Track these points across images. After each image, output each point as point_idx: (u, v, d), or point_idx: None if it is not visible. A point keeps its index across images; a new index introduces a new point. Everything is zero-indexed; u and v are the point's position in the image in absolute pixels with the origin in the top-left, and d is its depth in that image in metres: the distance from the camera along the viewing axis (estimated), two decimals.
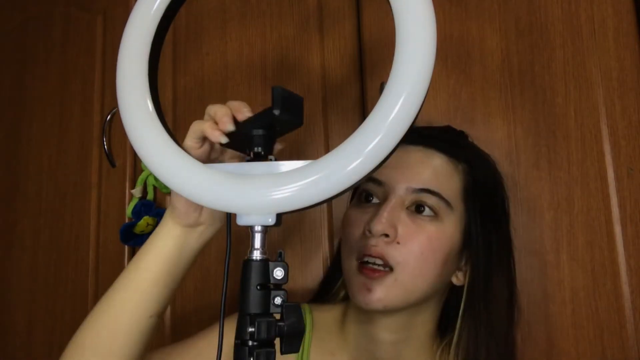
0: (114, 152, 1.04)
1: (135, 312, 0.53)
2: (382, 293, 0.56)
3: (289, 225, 0.86)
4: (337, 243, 0.73)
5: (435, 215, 0.59)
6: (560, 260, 0.71)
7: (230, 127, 0.46)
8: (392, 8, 0.41)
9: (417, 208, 0.59)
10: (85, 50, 1.13)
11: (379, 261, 0.57)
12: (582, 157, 0.72)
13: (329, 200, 0.41)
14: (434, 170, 0.60)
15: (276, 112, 0.41)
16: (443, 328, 0.65)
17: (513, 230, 0.74)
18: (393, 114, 0.39)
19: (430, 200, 0.59)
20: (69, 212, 1.10)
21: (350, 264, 0.60)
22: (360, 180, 0.41)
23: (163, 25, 0.49)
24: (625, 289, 0.68)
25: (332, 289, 0.71)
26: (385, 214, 0.57)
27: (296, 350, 0.40)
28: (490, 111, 0.77)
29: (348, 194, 0.71)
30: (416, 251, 0.57)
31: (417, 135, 0.62)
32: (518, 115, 0.76)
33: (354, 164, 0.39)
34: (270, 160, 0.45)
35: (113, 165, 1.04)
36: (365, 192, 0.63)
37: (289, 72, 0.91)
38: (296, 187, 0.40)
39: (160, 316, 0.55)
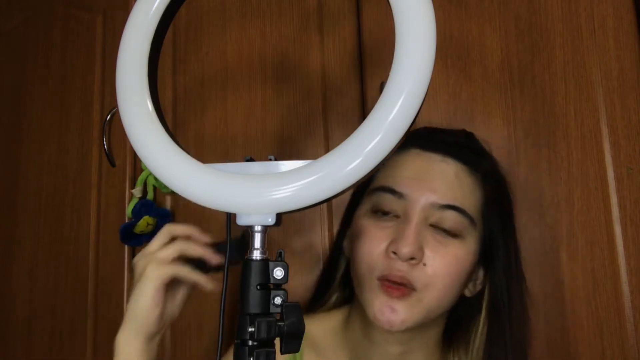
0: (114, 152, 1.04)
1: None
2: (406, 314, 0.54)
3: (289, 225, 0.86)
4: (331, 247, 0.72)
5: (460, 233, 0.57)
6: (560, 260, 0.71)
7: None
8: (392, 8, 0.41)
9: (442, 226, 0.56)
10: (85, 50, 1.13)
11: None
12: (582, 157, 0.72)
13: (329, 200, 0.41)
14: (459, 184, 0.57)
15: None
16: (447, 335, 0.64)
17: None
18: (393, 114, 0.39)
19: (456, 218, 0.56)
20: (69, 212, 1.10)
21: (370, 283, 0.56)
22: (359, 180, 0.40)
23: (163, 25, 0.48)
24: (625, 289, 0.68)
25: (325, 294, 0.69)
26: (412, 234, 0.54)
27: (296, 350, 0.40)
28: (490, 111, 0.77)
29: (346, 197, 0.71)
30: (443, 273, 0.55)
31: (436, 141, 0.60)
32: (518, 115, 0.76)
33: (354, 164, 0.39)
34: (270, 160, 0.45)
35: (113, 165, 1.04)
36: (382, 205, 0.59)
37: (289, 72, 0.91)
38: (296, 187, 0.40)
39: None
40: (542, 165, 0.74)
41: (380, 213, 0.58)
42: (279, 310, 0.40)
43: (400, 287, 0.54)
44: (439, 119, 0.79)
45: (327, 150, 0.81)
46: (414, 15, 0.40)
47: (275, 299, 0.41)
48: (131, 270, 0.99)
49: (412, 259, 0.54)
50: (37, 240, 1.15)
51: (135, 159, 1.02)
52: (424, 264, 0.55)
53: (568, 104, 0.74)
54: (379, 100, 0.40)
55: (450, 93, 0.79)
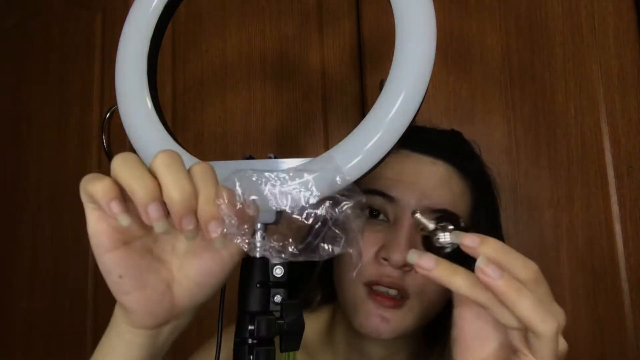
0: (113, 150, 1.04)
1: None
2: (398, 323, 0.52)
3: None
4: None
5: None
6: (560, 258, 0.71)
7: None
8: (392, 5, 0.41)
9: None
10: (85, 47, 1.13)
11: (392, 291, 0.52)
12: (582, 155, 0.72)
13: None
14: (450, 188, 0.55)
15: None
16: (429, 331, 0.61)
17: (514, 228, 0.74)
18: (393, 112, 0.39)
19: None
20: (69, 211, 1.10)
21: (355, 289, 0.54)
22: (359, 180, 0.40)
23: (162, 22, 0.48)
24: (625, 287, 0.68)
25: (301, 292, 0.65)
26: (404, 240, 0.52)
27: (296, 348, 0.40)
28: (490, 109, 0.77)
29: None
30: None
31: (425, 142, 0.58)
32: (518, 113, 0.76)
33: (353, 162, 0.39)
34: (270, 157, 0.44)
35: None
36: (372, 205, 0.56)
37: (289, 69, 0.91)
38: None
39: None
40: (542, 163, 0.74)
41: (369, 214, 0.56)
42: (278, 308, 0.40)
43: (394, 297, 0.52)
44: (438, 117, 0.79)
45: (327, 147, 0.81)
46: (414, 13, 0.40)
47: (275, 297, 0.40)
48: None
49: (404, 265, 0.52)
50: (37, 240, 1.15)
51: None
52: (416, 271, 0.52)
53: (568, 101, 0.74)
54: (379, 98, 0.40)
55: (451, 91, 0.79)
